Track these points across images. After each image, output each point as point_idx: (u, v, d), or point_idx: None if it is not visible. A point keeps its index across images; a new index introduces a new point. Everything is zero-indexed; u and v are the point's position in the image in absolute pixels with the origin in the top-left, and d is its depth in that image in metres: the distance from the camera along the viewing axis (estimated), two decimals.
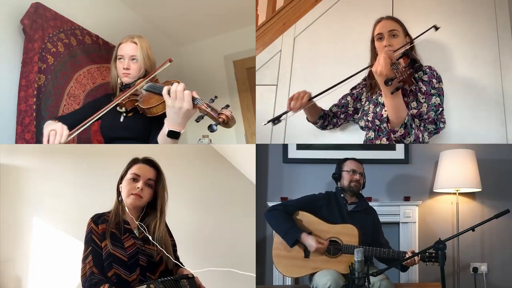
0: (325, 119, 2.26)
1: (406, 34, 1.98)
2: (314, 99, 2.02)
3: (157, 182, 1.67)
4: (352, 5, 2.53)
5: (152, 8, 3.39)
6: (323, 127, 2.29)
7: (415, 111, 1.84)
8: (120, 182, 1.67)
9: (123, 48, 1.97)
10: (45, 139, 1.69)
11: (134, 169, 1.66)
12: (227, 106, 1.63)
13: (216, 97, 1.67)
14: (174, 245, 1.71)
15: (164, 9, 3.42)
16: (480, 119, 2.28)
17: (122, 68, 1.94)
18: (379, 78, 1.69)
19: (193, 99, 1.61)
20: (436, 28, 1.89)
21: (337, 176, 2.27)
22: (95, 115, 1.79)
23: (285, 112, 2.03)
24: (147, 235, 1.60)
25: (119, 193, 1.67)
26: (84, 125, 1.76)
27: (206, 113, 1.61)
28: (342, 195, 2.23)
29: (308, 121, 2.27)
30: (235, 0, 3.28)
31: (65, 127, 1.71)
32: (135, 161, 1.68)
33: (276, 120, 2.03)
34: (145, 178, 1.64)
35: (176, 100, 1.57)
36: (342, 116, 2.24)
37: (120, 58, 1.96)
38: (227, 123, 1.60)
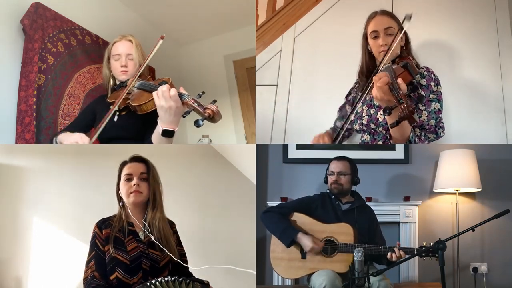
0: (337, 137, 2.22)
1: (402, 29, 1.89)
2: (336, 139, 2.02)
3: (149, 175, 1.68)
4: (352, 5, 2.53)
5: (152, 8, 3.39)
6: (340, 143, 2.26)
7: (418, 117, 1.79)
8: (118, 189, 1.68)
9: (118, 47, 1.98)
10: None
11: (125, 170, 1.67)
12: (214, 101, 1.64)
13: (203, 92, 1.68)
14: (183, 255, 1.71)
15: (164, 9, 3.43)
16: (480, 119, 2.28)
17: (120, 66, 1.96)
18: (379, 103, 1.66)
19: (181, 95, 1.63)
20: (409, 18, 1.76)
21: (325, 179, 2.27)
22: (100, 124, 1.80)
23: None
24: (150, 235, 1.60)
25: (120, 199, 1.68)
26: (98, 129, 1.80)
27: (192, 108, 1.62)
28: (333, 196, 2.22)
29: None
30: (235, 0, 3.28)
31: (84, 136, 1.77)
32: (124, 164, 1.70)
33: None
34: (137, 174, 1.66)
35: (164, 100, 1.59)
36: (349, 126, 2.16)
37: (116, 57, 1.97)
38: (213, 117, 1.60)
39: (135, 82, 1.87)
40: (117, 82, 2.01)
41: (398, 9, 2.39)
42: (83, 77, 2.62)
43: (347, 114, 2.16)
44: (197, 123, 1.57)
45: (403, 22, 1.81)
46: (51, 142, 1.95)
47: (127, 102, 1.83)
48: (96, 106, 2.07)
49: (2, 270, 2.24)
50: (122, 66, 1.95)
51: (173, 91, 1.59)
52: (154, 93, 1.63)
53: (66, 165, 2.37)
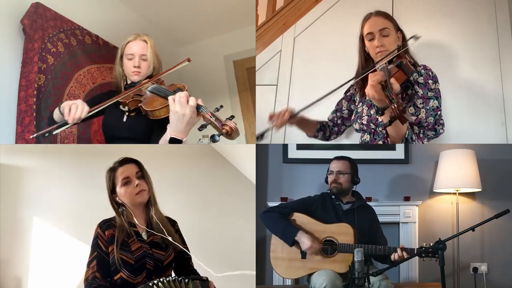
0: (324, 131, 2.22)
1: (398, 29, 1.90)
2: (298, 115, 1.98)
3: (143, 173, 1.68)
4: (352, 5, 2.53)
5: (152, 8, 3.39)
6: (326, 138, 2.26)
7: (414, 118, 1.78)
8: (113, 196, 1.65)
9: (132, 47, 1.94)
10: (66, 111, 1.68)
11: (120, 175, 1.64)
12: (232, 117, 1.61)
13: (221, 106, 1.65)
14: (186, 253, 1.71)
15: (164, 9, 3.42)
16: (480, 119, 2.28)
17: (133, 66, 1.92)
18: (373, 101, 1.66)
19: (198, 106, 1.60)
20: (416, 38, 1.80)
21: (325, 178, 2.27)
22: (108, 100, 1.77)
23: (267, 130, 2.01)
24: (160, 234, 1.61)
25: (118, 205, 1.65)
26: (100, 106, 1.75)
27: (209, 122, 1.59)
28: (333, 196, 2.22)
29: (308, 136, 2.24)
30: (235, 0, 3.28)
31: (85, 104, 1.72)
32: (114, 169, 1.67)
33: (260, 137, 2.02)
34: (134, 175, 1.64)
35: (180, 107, 1.56)
36: (339, 121, 2.19)
37: (129, 57, 1.94)
38: (231, 134, 1.57)
39: (149, 85, 1.85)
40: (129, 82, 1.99)
41: (398, 9, 2.39)
42: (83, 77, 2.62)
43: (341, 108, 2.17)
44: (213, 138, 1.53)
45: (409, 39, 1.82)
46: (51, 116, 1.90)
47: (139, 104, 1.81)
48: (105, 100, 2.05)
49: (2, 270, 2.24)
50: (135, 67, 1.92)
51: (192, 100, 1.57)
52: (170, 97, 1.60)
53: (66, 165, 2.37)
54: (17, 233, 2.29)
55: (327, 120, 2.24)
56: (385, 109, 1.53)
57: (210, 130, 1.62)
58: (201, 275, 1.68)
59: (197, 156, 2.55)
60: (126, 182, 1.63)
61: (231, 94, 4.07)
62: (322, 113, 2.21)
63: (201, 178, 2.47)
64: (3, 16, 2.18)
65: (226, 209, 2.43)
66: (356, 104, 2.08)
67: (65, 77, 2.46)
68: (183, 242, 1.73)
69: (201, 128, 1.60)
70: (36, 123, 2.17)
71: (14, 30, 2.24)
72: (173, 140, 1.61)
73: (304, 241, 2.05)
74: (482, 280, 2.61)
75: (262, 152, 2.71)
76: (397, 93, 1.54)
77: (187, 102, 1.56)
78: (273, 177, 2.71)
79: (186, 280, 1.48)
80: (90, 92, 2.65)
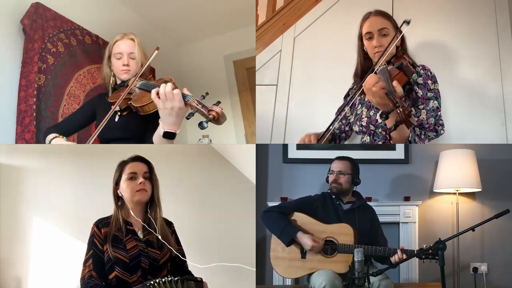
0: (335, 140, 2.21)
1: (397, 29, 1.87)
2: (323, 137, 1.98)
3: (151, 175, 1.68)
4: (352, 5, 2.53)
5: (152, 8, 3.40)
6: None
7: (415, 119, 1.75)
8: (116, 188, 1.67)
9: (120, 46, 1.96)
10: None
11: (128, 169, 1.66)
12: (218, 102, 1.61)
13: (207, 93, 1.65)
14: (182, 255, 1.70)
15: (164, 9, 3.43)
16: (480, 119, 2.28)
17: (122, 65, 1.93)
18: (378, 106, 1.65)
19: (184, 96, 1.60)
20: (408, 23, 1.75)
21: (326, 178, 2.27)
22: (100, 125, 1.76)
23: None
24: (157, 234, 1.61)
25: (118, 198, 1.66)
26: (94, 136, 1.76)
27: (196, 110, 1.60)
28: (333, 196, 2.22)
29: None
30: (235, 0, 3.28)
31: (63, 139, 1.80)
32: (125, 163, 1.68)
33: None
34: (142, 173, 1.65)
35: (167, 101, 1.56)
36: (347, 128, 2.18)
37: (117, 56, 1.95)
38: (218, 119, 1.58)
39: (137, 82, 1.86)
40: (118, 81, 2.00)
41: (398, 9, 2.39)
42: (83, 77, 2.63)
43: (346, 115, 2.16)
44: (201, 125, 1.54)
45: (401, 26, 1.80)
46: (44, 138, 1.94)
47: (128, 102, 1.81)
48: (97, 104, 2.06)
49: (2, 269, 2.24)
50: (124, 65, 1.93)
51: (177, 91, 1.57)
52: (153, 93, 1.59)
53: (66, 165, 2.37)
54: (17, 233, 2.29)
55: (332, 129, 2.22)
56: (389, 113, 1.50)
57: (199, 118, 1.61)
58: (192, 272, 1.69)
59: (197, 156, 2.55)
60: (132, 177, 1.64)
61: (231, 94, 4.08)
62: (323, 120, 2.20)
63: (201, 178, 2.47)
64: (3, 16, 2.18)
65: (226, 209, 2.43)
66: (356, 106, 2.08)
67: (65, 77, 2.46)
68: (178, 244, 1.72)
69: (189, 116, 1.60)
70: (36, 123, 2.18)
71: (14, 30, 2.24)
72: (166, 134, 1.61)
73: (306, 242, 2.04)
74: (482, 280, 2.61)
75: (262, 152, 2.71)
76: (401, 97, 1.52)
77: (173, 94, 1.56)
78: (273, 177, 2.71)
79: (178, 279, 1.49)
80: (90, 92, 2.65)
